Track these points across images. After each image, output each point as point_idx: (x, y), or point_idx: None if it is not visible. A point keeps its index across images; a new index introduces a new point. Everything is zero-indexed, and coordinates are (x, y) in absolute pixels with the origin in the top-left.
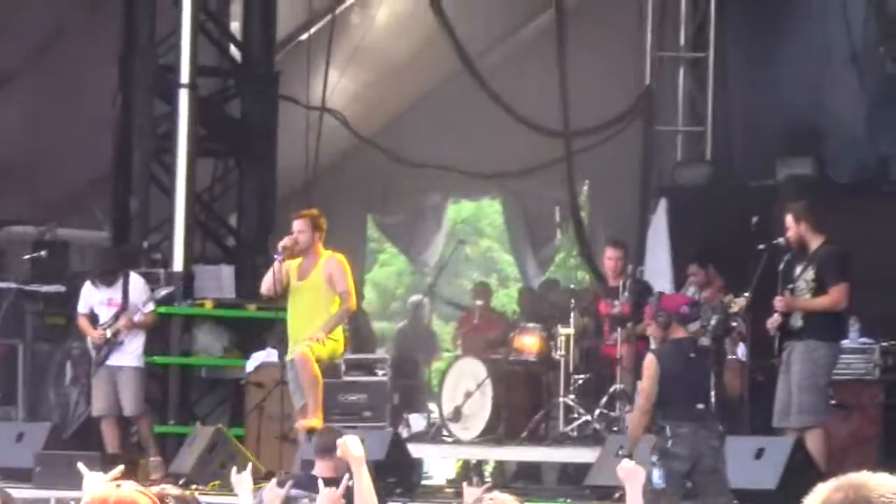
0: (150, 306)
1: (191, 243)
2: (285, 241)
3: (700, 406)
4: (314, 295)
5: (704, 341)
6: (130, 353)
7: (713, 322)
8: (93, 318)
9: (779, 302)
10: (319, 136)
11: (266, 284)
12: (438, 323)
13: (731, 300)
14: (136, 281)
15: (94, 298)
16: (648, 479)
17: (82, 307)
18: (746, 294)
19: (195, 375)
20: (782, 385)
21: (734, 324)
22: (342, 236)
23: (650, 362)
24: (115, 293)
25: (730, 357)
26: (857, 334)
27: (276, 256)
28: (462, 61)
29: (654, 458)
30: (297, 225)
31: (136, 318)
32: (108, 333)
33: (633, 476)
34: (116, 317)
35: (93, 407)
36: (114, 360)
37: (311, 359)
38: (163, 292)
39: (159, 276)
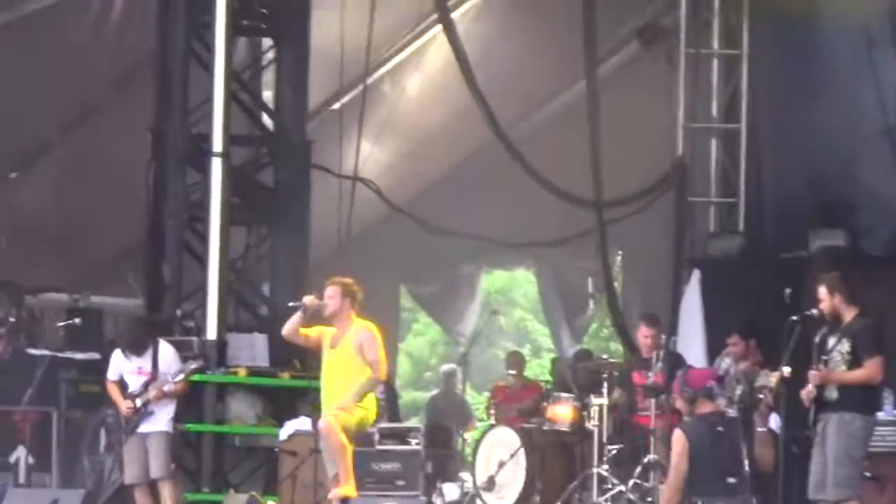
0: (179, 375)
1: (224, 311)
2: (307, 300)
3: (731, 480)
4: (346, 364)
5: (731, 412)
6: (160, 418)
7: (738, 392)
8: (122, 385)
9: (814, 376)
10: (352, 206)
11: (287, 328)
12: (472, 392)
13: (763, 374)
14: (165, 350)
15: (125, 367)
16: None
17: (112, 374)
18: (783, 368)
19: (229, 443)
20: (818, 457)
21: (761, 396)
22: (375, 306)
23: (678, 438)
24: (145, 362)
25: (759, 430)
26: (892, 406)
27: (298, 307)
28: (494, 132)
29: None
30: (328, 291)
31: (167, 388)
32: (139, 403)
33: None
34: (146, 386)
35: (125, 475)
36: (144, 427)
37: (336, 429)
38: (192, 366)
39: (192, 345)
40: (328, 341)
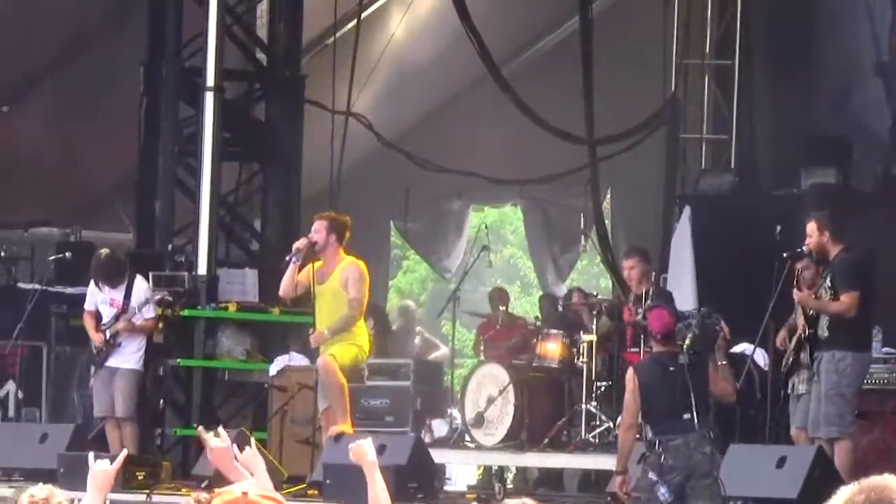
0: (150, 310)
1: (215, 247)
2: (299, 243)
3: (686, 416)
4: (333, 300)
5: (682, 359)
6: (128, 356)
7: (688, 341)
8: (97, 317)
9: (796, 295)
10: (344, 141)
11: (283, 287)
12: (461, 329)
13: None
14: (139, 284)
15: (97, 297)
16: (655, 496)
17: (88, 304)
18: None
19: (219, 378)
20: (815, 395)
21: (717, 328)
22: (366, 242)
23: (630, 377)
24: (118, 294)
25: (720, 363)
26: (880, 344)
27: (290, 258)
28: (487, 67)
29: (655, 477)
30: (315, 225)
31: (136, 321)
32: (107, 335)
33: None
34: (117, 318)
35: (94, 408)
36: (113, 361)
37: (335, 367)
38: (157, 297)
39: (184, 279)
40: (315, 277)
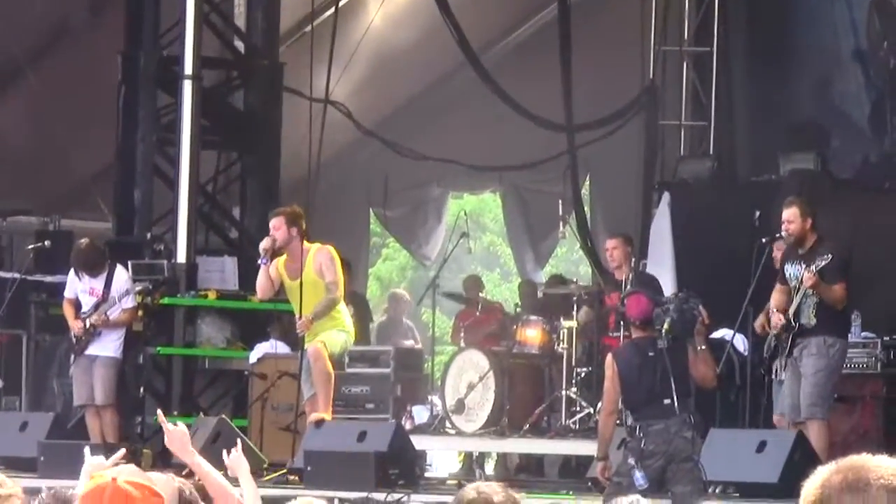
0: (129, 300)
1: (194, 235)
2: (264, 243)
3: (667, 401)
4: (314, 289)
5: (661, 344)
6: (107, 344)
7: (666, 326)
8: (77, 305)
9: (807, 278)
10: (323, 129)
11: (260, 289)
12: (441, 316)
13: None
14: (120, 274)
15: (77, 286)
16: (632, 481)
17: (67, 292)
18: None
19: (198, 366)
20: (794, 380)
21: (695, 312)
22: (345, 230)
23: (609, 363)
24: (98, 283)
25: (700, 348)
26: (859, 329)
27: (260, 261)
28: (465, 54)
29: (633, 461)
30: (273, 223)
31: (112, 315)
32: (87, 324)
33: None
34: (96, 307)
35: (74, 396)
36: (91, 349)
37: (325, 355)
38: (137, 287)
39: (163, 268)
40: (284, 273)
